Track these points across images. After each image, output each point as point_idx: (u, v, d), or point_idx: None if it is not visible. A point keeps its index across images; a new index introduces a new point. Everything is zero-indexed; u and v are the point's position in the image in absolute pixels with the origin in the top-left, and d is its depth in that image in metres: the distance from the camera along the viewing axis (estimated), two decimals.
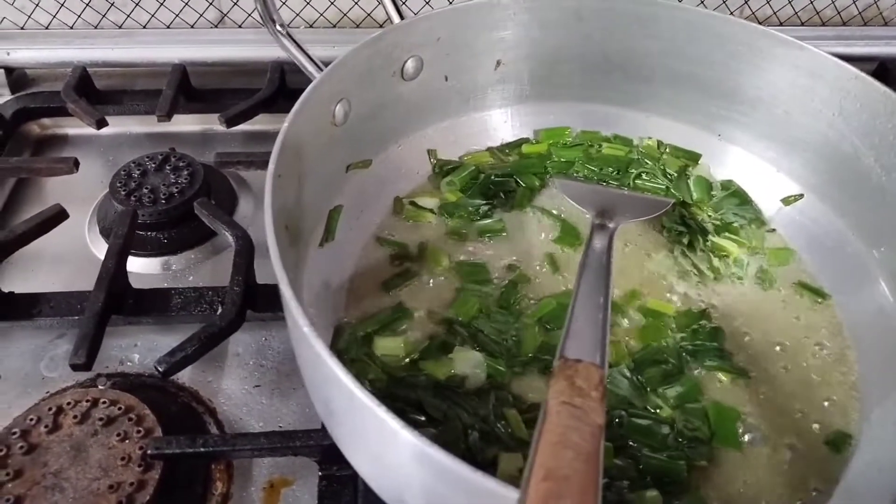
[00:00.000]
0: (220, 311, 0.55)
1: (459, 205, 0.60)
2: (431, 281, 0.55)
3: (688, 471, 0.44)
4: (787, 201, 0.60)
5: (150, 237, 0.63)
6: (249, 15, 0.79)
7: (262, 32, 0.80)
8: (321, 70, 0.50)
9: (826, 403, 0.49)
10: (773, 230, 0.59)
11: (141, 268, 0.62)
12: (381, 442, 0.35)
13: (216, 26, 0.81)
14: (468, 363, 0.49)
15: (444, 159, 0.63)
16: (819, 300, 0.55)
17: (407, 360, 0.49)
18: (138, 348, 0.56)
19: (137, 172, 0.65)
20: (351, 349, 0.49)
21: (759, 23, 0.83)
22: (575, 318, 0.40)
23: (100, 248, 0.63)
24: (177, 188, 0.64)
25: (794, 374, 0.50)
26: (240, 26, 0.80)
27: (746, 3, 0.83)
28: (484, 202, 0.60)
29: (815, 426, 0.47)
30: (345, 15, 0.81)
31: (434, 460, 0.31)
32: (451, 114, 0.64)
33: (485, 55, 0.62)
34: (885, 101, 0.51)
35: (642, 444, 0.45)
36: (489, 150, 0.65)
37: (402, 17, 0.56)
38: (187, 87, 0.77)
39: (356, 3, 0.80)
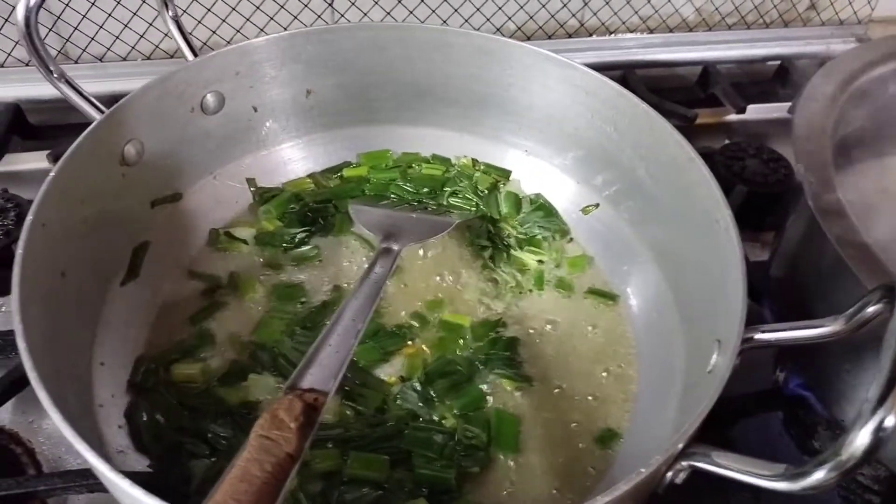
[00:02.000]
0: None
1: (276, 234, 0.61)
2: (240, 309, 0.56)
3: (459, 478, 0.47)
4: (585, 211, 0.64)
5: None
6: (84, 51, 0.79)
7: (98, 67, 0.81)
8: (101, 112, 0.51)
9: (605, 408, 0.52)
10: (572, 239, 0.63)
11: None
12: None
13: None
14: (263, 389, 0.51)
15: (265, 187, 0.65)
16: (610, 303, 0.58)
17: (205, 387, 0.51)
18: None
19: None
20: (148, 380, 0.51)
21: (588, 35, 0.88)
22: (319, 344, 0.42)
23: None
24: (1, 230, 0.64)
25: (580, 381, 0.53)
26: (76, 62, 0.80)
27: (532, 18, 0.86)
28: (301, 230, 0.62)
29: (591, 433, 0.50)
30: (133, 48, 0.80)
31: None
32: (268, 143, 0.66)
33: (293, 85, 0.64)
34: (643, 115, 0.55)
35: (419, 455, 0.47)
36: (311, 175, 0.67)
37: (195, 53, 0.57)
38: (23, 126, 0.77)
39: (142, 36, 0.79)
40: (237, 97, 0.61)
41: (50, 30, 0.77)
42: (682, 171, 0.52)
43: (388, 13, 0.81)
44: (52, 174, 0.46)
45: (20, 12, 0.48)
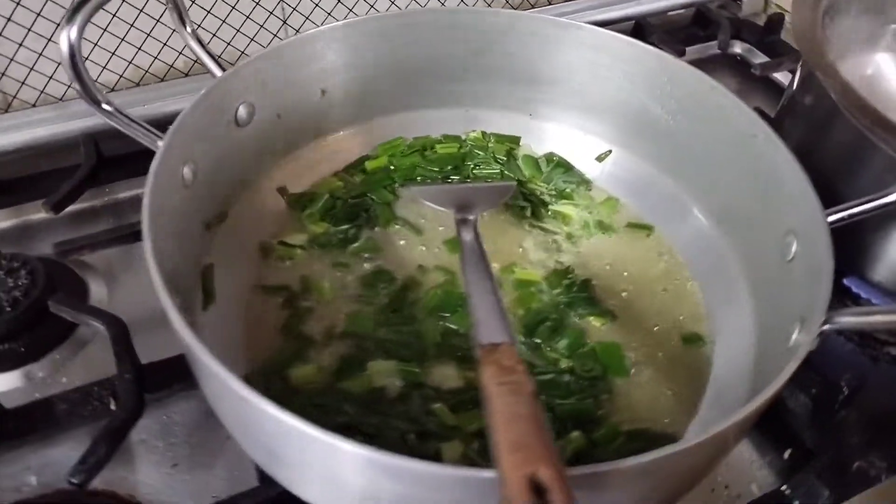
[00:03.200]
0: (113, 403, 0.53)
1: (327, 234, 0.62)
2: (324, 308, 0.57)
3: (596, 406, 0.51)
4: (600, 158, 0.69)
5: (4, 350, 0.58)
6: (42, 91, 0.74)
7: (60, 107, 0.76)
8: (160, 137, 0.50)
9: (680, 317, 0.58)
10: (592, 188, 0.68)
11: (3, 386, 0.57)
12: (335, 466, 0.37)
13: (6, 111, 0.75)
14: (384, 373, 0.52)
15: (296, 193, 0.65)
16: (649, 233, 0.65)
17: (325, 385, 0.51)
18: (32, 469, 0.52)
19: None
20: (272, 389, 0.50)
21: (530, 6, 0.95)
22: (475, 307, 0.45)
23: None
24: (19, 291, 0.59)
25: (649, 300, 0.59)
26: (33, 105, 0.75)
27: None
28: (349, 226, 0.63)
29: (676, 337, 0.56)
30: (147, 71, 0.79)
31: (400, 469, 0.34)
32: (291, 148, 0.66)
33: (309, 87, 0.64)
34: (655, 59, 0.61)
35: (552, 396, 0.51)
36: (336, 174, 0.68)
37: (221, 69, 0.56)
38: None
39: (156, 57, 0.78)
40: (264, 106, 0.60)
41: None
42: (703, 101, 0.59)
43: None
44: (145, 199, 0.45)
45: (64, 47, 0.46)
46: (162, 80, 0.80)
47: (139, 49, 0.77)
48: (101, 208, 0.72)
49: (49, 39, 0.73)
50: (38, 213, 0.69)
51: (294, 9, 0.82)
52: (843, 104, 0.53)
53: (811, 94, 0.63)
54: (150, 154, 0.48)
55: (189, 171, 0.53)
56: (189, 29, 0.56)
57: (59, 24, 0.71)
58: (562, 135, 0.71)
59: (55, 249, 0.61)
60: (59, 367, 0.59)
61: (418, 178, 0.68)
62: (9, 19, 0.70)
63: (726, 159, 0.58)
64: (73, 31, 0.45)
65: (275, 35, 0.83)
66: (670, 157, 0.64)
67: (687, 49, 0.90)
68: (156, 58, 0.78)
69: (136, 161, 0.73)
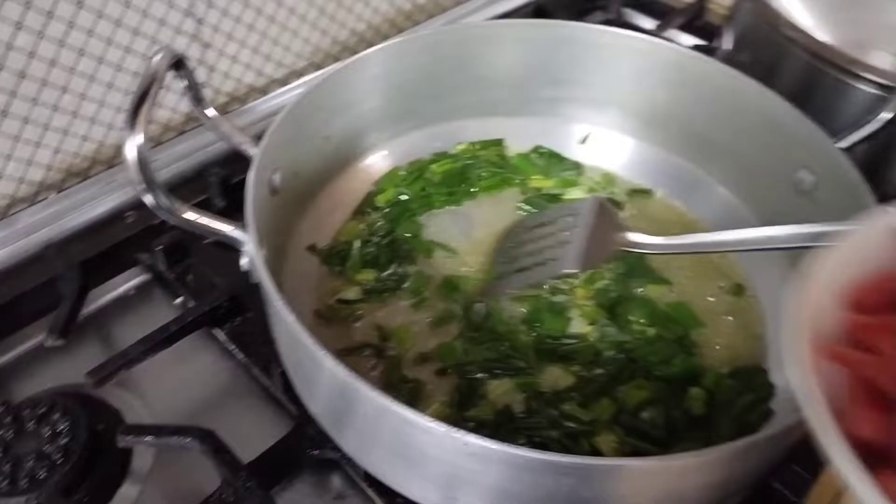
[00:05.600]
0: None
1: (378, 279, 0.61)
2: (414, 350, 0.57)
3: (696, 360, 0.56)
4: (584, 142, 0.74)
5: None
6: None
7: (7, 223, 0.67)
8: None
9: (721, 279, 0.63)
10: (586, 167, 0.73)
11: None
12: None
13: None
14: (505, 392, 0.54)
15: (325, 248, 0.64)
16: (649, 196, 0.71)
17: (454, 419, 0.52)
18: None
19: None
20: None
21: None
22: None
23: None
24: (65, 438, 0.53)
25: (690, 262, 0.64)
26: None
27: None
28: (394, 266, 0.62)
29: (723, 291, 0.62)
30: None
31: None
32: (308, 202, 0.65)
33: (316, 137, 0.63)
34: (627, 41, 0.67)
35: (657, 364, 0.55)
36: (354, 217, 0.67)
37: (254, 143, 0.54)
38: None
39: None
40: (288, 167, 0.58)
41: None
42: (684, 68, 0.65)
43: None
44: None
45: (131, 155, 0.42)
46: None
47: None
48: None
49: None
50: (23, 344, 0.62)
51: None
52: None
53: (747, 51, 0.71)
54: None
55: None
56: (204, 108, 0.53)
57: None
58: (539, 127, 0.74)
59: (90, 379, 0.55)
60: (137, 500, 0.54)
61: (440, 205, 0.68)
62: None
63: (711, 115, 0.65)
64: (139, 138, 0.41)
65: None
66: (654, 126, 0.71)
67: (583, 19, 0.98)
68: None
69: (114, 261, 0.67)
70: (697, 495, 0.43)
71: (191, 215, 0.46)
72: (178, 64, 0.50)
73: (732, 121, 0.64)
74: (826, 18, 0.70)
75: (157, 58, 0.47)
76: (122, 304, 0.67)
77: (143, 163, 0.42)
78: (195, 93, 0.52)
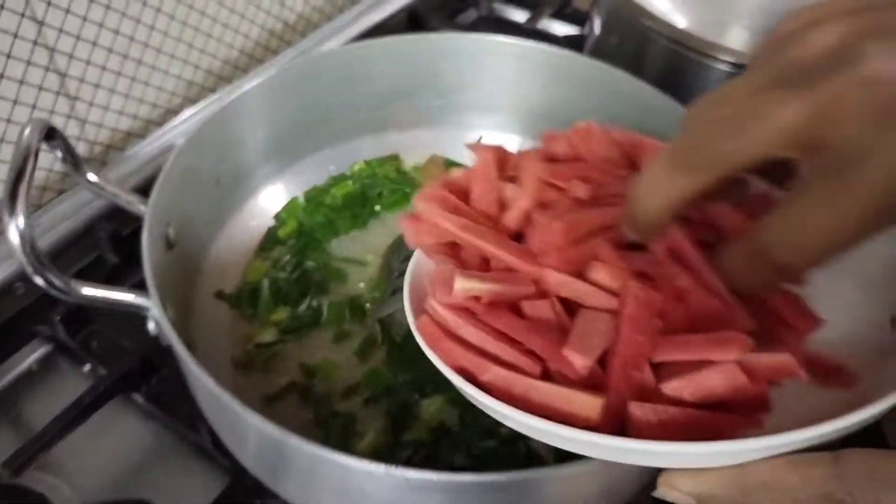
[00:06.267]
0: None
1: (293, 316, 0.61)
2: (340, 383, 0.57)
3: None
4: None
5: None
6: None
7: None
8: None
9: None
10: None
11: None
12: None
13: None
14: (438, 409, 0.55)
15: (233, 292, 0.62)
16: None
17: (390, 444, 0.53)
18: None
19: None
20: None
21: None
22: None
23: None
24: None
25: None
26: None
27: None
28: (307, 301, 0.62)
29: None
30: None
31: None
32: (207, 249, 0.63)
33: (206, 181, 0.61)
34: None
35: None
36: (257, 257, 0.66)
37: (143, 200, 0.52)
38: None
39: None
40: (181, 219, 0.57)
41: None
42: (554, 66, 0.68)
43: None
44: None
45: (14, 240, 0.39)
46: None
47: None
48: None
49: None
50: None
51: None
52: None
53: (614, 35, 0.75)
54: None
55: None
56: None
57: None
58: (433, 137, 0.76)
59: (6, 469, 0.52)
60: None
61: (338, 231, 0.68)
62: None
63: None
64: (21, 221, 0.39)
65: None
66: (532, 126, 0.73)
67: (457, 19, 0.99)
68: None
69: (10, 336, 0.64)
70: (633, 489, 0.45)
71: (88, 291, 0.44)
72: (50, 133, 0.48)
73: (609, 111, 0.66)
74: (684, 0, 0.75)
75: (27, 132, 0.45)
76: (28, 381, 0.64)
77: (29, 244, 0.40)
78: (72, 160, 0.50)
